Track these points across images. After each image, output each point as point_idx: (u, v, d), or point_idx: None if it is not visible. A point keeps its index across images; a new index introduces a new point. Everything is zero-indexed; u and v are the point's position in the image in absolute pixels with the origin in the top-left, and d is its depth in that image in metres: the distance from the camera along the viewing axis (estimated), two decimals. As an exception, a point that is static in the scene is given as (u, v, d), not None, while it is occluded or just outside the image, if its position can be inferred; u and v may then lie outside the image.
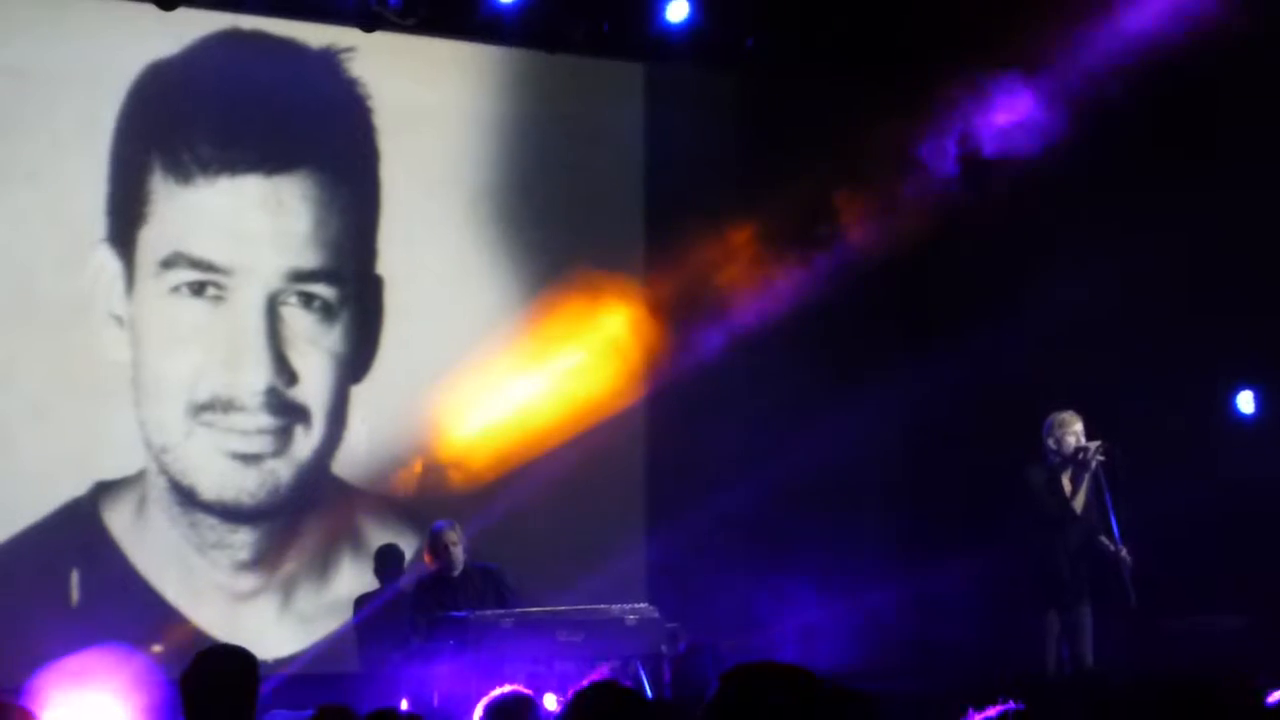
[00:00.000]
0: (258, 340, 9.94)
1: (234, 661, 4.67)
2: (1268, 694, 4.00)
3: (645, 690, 8.05)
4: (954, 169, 9.88)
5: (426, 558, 8.79)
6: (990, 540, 9.06)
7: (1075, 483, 8.43)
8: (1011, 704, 3.63)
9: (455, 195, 10.68)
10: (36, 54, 9.54)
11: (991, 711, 3.77)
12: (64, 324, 9.55)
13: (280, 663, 9.61)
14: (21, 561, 9.32)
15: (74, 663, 7.89)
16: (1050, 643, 8.36)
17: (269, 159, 10.06)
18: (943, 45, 9.78)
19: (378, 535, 9.92)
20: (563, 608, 8.44)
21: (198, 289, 9.85)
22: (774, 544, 10.64)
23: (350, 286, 10.31)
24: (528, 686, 6.05)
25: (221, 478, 9.86)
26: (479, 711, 4.38)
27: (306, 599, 10.03)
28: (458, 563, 8.63)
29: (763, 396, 10.73)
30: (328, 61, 10.32)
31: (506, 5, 10.11)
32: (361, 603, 9.07)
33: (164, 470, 9.74)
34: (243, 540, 9.91)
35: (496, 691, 4.44)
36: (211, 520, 9.83)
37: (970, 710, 3.70)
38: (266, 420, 9.94)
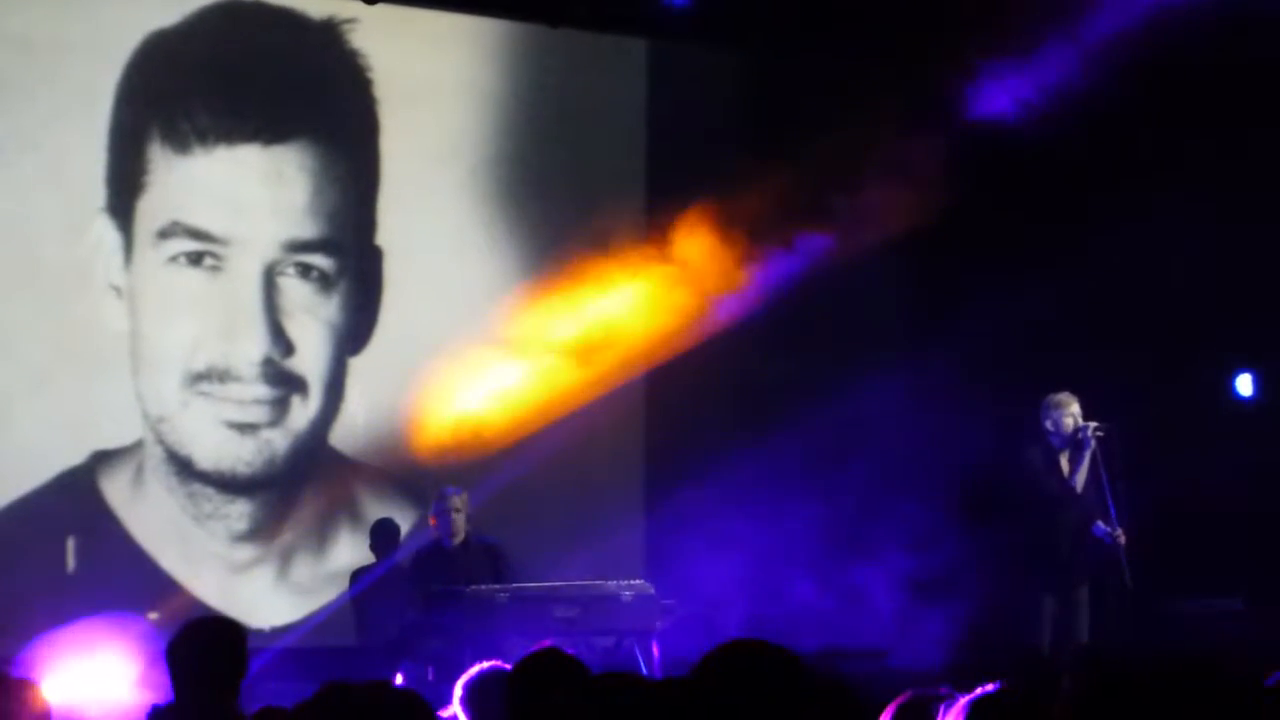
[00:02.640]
0: (255, 310, 9.93)
1: (221, 632, 4.66)
2: (1268, 677, 3.99)
3: (641, 666, 8.05)
4: (955, 148, 9.85)
5: (431, 520, 8.81)
6: (990, 521, 9.06)
7: (1074, 463, 8.44)
8: (995, 685, 3.63)
9: (455, 168, 10.65)
10: (37, 23, 9.51)
11: (977, 692, 3.76)
12: (62, 293, 9.54)
13: (277, 634, 9.61)
14: (18, 530, 9.31)
15: (74, 631, 7.92)
16: (1045, 624, 8.36)
17: (267, 129, 10.03)
18: (947, 21, 9.73)
19: (375, 508, 9.92)
20: (559, 583, 8.44)
21: (195, 259, 9.84)
22: (771, 521, 10.62)
23: (349, 258, 10.29)
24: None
25: (218, 448, 9.85)
26: (459, 689, 4.39)
27: (304, 570, 10.03)
28: (458, 530, 8.63)
29: (762, 374, 10.71)
30: (328, 33, 10.28)
31: (508, -22, 10.09)
32: (358, 576, 9.08)
33: (161, 440, 9.74)
34: (240, 511, 9.90)
35: (476, 668, 4.44)
36: (208, 490, 9.83)
37: (956, 694, 3.69)
38: (263, 390, 9.93)
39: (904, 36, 10.18)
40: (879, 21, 10.43)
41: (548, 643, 4.33)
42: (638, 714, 3.13)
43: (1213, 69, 9.33)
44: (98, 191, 9.65)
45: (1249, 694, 3.50)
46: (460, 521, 8.63)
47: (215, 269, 9.85)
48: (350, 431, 10.22)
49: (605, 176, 10.97)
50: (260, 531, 9.94)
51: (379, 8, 10.13)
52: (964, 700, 3.69)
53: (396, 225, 10.46)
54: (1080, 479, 8.41)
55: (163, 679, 4.92)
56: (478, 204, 10.70)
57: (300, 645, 9.51)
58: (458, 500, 8.68)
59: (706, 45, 11.03)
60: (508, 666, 4.50)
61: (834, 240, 10.18)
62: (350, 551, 9.87)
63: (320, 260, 10.16)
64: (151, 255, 9.76)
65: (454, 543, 8.69)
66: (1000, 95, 9.76)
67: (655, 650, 8.18)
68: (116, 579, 9.34)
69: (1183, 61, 9.31)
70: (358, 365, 10.28)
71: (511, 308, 10.51)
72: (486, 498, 9.24)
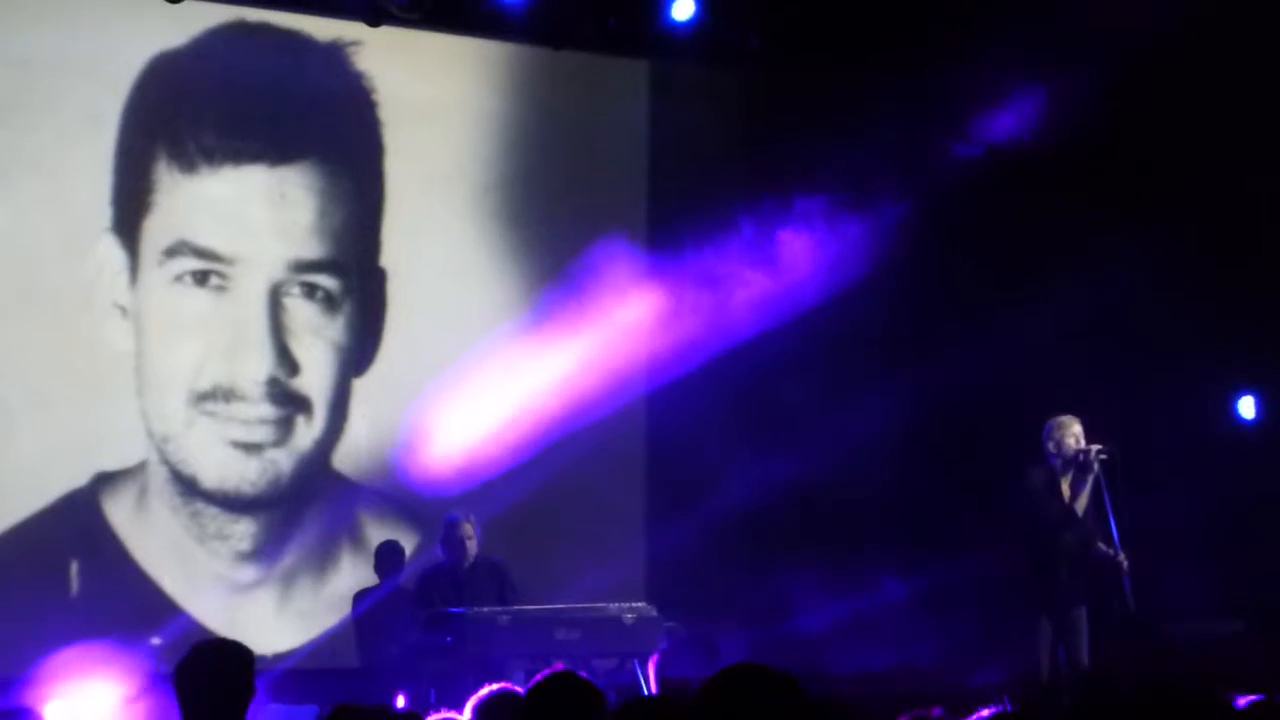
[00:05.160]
0: (260, 330, 9.96)
1: (229, 655, 4.66)
2: (1236, 699, 4.02)
3: (643, 689, 8.06)
4: (956, 168, 9.88)
5: (440, 548, 8.81)
6: (990, 542, 9.06)
7: (1076, 486, 8.44)
8: (996, 708, 3.64)
9: (459, 190, 10.68)
10: (41, 43, 9.53)
11: (985, 713, 3.78)
12: (65, 313, 9.56)
13: (278, 656, 9.61)
14: (21, 552, 9.32)
15: (77, 653, 7.94)
16: (1043, 648, 8.36)
17: (273, 150, 10.08)
18: (946, 42, 9.77)
19: (376, 530, 9.93)
20: (561, 605, 8.44)
21: (201, 278, 9.87)
22: (773, 543, 10.63)
23: (353, 278, 10.32)
24: (525, 684, 6.05)
25: (223, 467, 9.87)
26: (469, 710, 4.41)
27: (305, 592, 10.03)
28: (470, 556, 8.64)
29: (764, 395, 10.72)
30: (333, 54, 10.32)
31: (512, 0, 10.09)
32: (360, 598, 9.08)
33: (165, 460, 9.75)
34: (243, 531, 9.92)
35: (486, 690, 4.46)
36: (212, 510, 9.84)
37: (951, 718, 3.71)
38: (268, 410, 9.96)
39: (906, 56, 10.21)
40: (881, 41, 10.46)
41: (560, 666, 4.33)
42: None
43: (1212, 91, 9.37)
44: (101, 211, 9.68)
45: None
46: (472, 547, 8.64)
47: (221, 289, 9.88)
48: (353, 452, 10.24)
49: (608, 197, 11.00)
50: (263, 552, 9.95)
51: (384, 30, 10.15)
52: (959, 724, 3.70)
53: (401, 246, 10.49)
54: (1082, 502, 8.41)
55: (165, 702, 4.92)
56: (481, 225, 10.73)
57: (301, 666, 9.51)
58: (467, 527, 8.67)
59: (708, 66, 11.06)
60: (518, 688, 4.51)
61: (837, 259, 10.21)
62: (351, 573, 9.88)
63: (326, 280, 10.19)
64: (157, 274, 9.79)
65: (465, 565, 8.70)
66: (1000, 115, 9.80)
67: (656, 673, 8.18)
68: (119, 601, 9.34)
69: (1182, 85, 9.35)
70: (361, 386, 10.30)
71: (514, 328, 10.53)
72: (489, 520, 9.25)
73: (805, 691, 3.09)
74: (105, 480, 9.63)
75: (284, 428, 10.01)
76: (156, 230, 9.80)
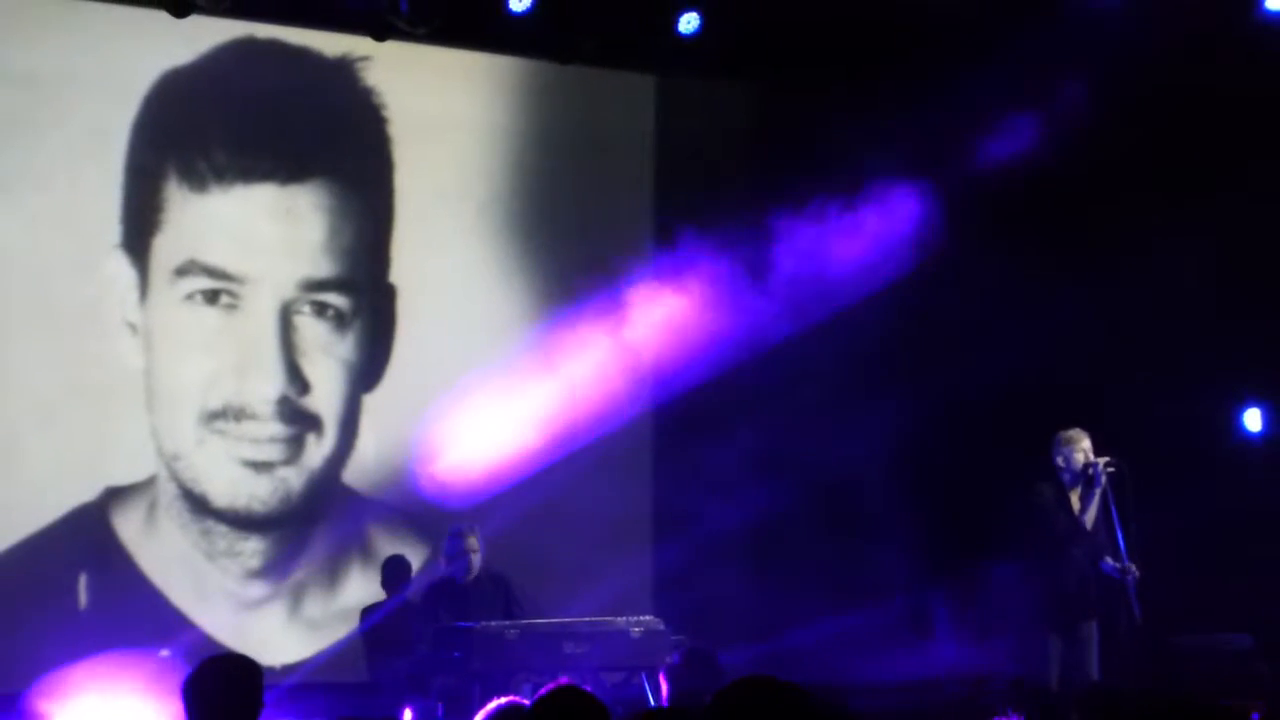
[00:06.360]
0: (270, 348, 9.99)
1: (238, 670, 4.68)
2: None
3: (650, 702, 8.06)
4: (964, 182, 9.90)
5: (444, 560, 8.83)
6: (998, 556, 9.07)
7: (1085, 500, 8.44)
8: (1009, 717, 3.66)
9: (467, 205, 10.72)
10: (49, 60, 9.58)
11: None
12: (76, 330, 9.60)
13: (287, 670, 9.63)
14: (31, 566, 9.36)
15: (86, 666, 7.95)
16: (1053, 662, 8.36)
17: (283, 167, 10.11)
18: (953, 58, 9.79)
19: (386, 544, 9.94)
20: (568, 619, 8.45)
21: (211, 297, 9.90)
22: (780, 557, 10.64)
23: (363, 295, 10.35)
24: (533, 698, 6.06)
25: (233, 485, 9.90)
26: (477, 723, 4.42)
27: (315, 607, 10.05)
28: (474, 568, 8.65)
29: (771, 409, 10.74)
30: (342, 70, 10.36)
31: (519, 15, 10.14)
32: (368, 613, 9.09)
33: (175, 477, 9.78)
34: (253, 548, 9.94)
35: (494, 704, 4.47)
36: (222, 528, 9.87)
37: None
38: (278, 428, 9.99)
39: (915, 67, 10.23)
40: (889, 52, 10.48)
41: (564, 680, 4.33)
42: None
43: (1221, 99, 9.39)
44: (110, 229, 9.72)
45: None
46: (475, 560, 8.66)
47: (231, 307, 9.92)
48: (362, 468, 10.26)
49: (615, 212, 11.04)
50: (273, 569, 9.98)
51: (392, 45, 10.17)
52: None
53: (409, 262, 10.53)
54: (1090, 516, 8.41)
55: (176, 714, 4.94)
56: (489, 240, 10.76)
57: (310, 680, 9.52)
58: (473, 540, 8.68)
59: (714, 80, 11.09)
60: (525, 702, 4.51)
61: (844, 272, 10.22)
62: (361, 587, 9.90)
63: (336, 298, 10.22)
64: (168, 293, 9.82)
65: (469, 578, 8.72)
66: (1007, 129, 9.82)
67: (664, 686, 8.17)
68: (128, 615, 9.37)
69: (1189, 93, 9.37)
70: (371, 402, 10.32)
71: (522, 343, 10.55)
72: (497, 533, 9.27)
73: (815, 703, 3.11)
74: (115, 495, 9.66)
75: (294, 446, 10.04)
76: (166, 248, 9.84)
